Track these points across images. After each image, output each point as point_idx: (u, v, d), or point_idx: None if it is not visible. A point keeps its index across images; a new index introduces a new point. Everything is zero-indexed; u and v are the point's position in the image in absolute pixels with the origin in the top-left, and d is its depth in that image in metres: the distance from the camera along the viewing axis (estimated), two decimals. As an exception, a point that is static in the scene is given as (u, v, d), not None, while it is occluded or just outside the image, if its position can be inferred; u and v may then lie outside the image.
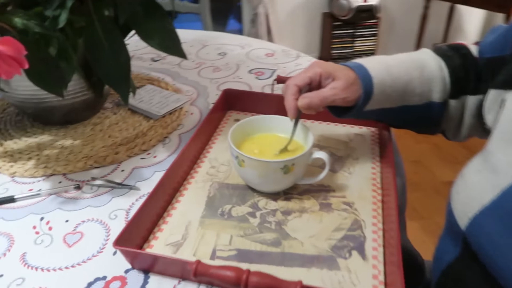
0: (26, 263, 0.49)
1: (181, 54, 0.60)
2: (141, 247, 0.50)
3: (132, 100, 0.81)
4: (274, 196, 0.59)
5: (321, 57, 2.95)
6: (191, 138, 0.65)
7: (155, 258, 0.46)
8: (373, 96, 0.55)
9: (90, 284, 0.46)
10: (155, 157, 0.68)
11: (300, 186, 0.60)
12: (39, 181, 0.63)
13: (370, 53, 2.86)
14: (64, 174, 0.64)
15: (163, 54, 1.13)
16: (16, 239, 0.53)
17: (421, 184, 1.98)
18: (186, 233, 0.53)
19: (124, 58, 0.57)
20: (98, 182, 0.62)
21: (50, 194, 0.60)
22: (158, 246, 0.51)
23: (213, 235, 0.52)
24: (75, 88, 0.68)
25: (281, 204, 0.57)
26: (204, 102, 0.86)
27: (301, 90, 0.56)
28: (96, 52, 0.55)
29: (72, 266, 0.49)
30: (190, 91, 0.91)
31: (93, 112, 0.78)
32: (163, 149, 0.71)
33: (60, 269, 0.48)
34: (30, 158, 0.66)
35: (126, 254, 0.47)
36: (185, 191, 0.60)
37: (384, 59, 0.58)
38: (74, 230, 0.54)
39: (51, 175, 0.64)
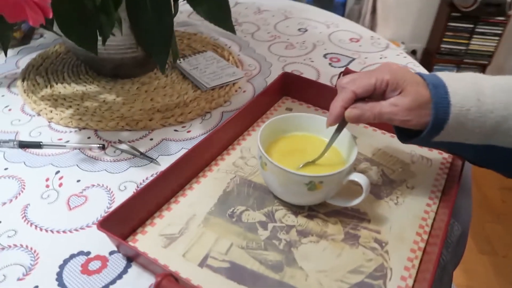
0: (25, 216, 0.48)
1: (228, 27, 0.52)
2: (134, 230, 0.46)
3: (187, 65, 0.76)
4: (296, 208, 0.50)
5: (427, 50, 2.64)
6: (228, 119, 0.59)
7: (135, 251, 0.41)
8: (446, 128, 0.42)
9: (72, 256, 0.44)
10: (189, 131, 0.64)
11: (330, 205, 0.51)
12: (71, 132, 0.62)
13: (486, 55, 2.48)
14: (95, 130, 0.63)
15: (240, 19, 1.06)
16: (26, 187, 0.52)
17: (506, 216, 1.71)
18: (186, 227, 0.47)
19: (166, 23, 0.51)
20: (122, 146, 0.60)
21: (75, 149, 0.59)
22: (152, 234, 0.46)
23: (212, 238, 0.46)
24: (125, 43, 0.65)
25: (300, 220, 0.49)
26: (263, 82, 0.78)
27: (356, 100, 0.46)
28: (136, 11, 0.50)
29: (64, 232, 0.47)
30: (253, 66, 0.83)
31: (144, 70, 0.75)
32: (200, 125, 0.65)
33: (51, 231, 0.47)
34: (70, 107, 0.65)
35: (110, 237, 0.43)
36: (203, 178, 0.54)
37: (479, 80, 0.43)
38: (81, 192, 0.52)
39: (84, 128, 0.63)
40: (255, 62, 0.85)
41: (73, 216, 0.48)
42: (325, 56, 0.89)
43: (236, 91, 0.74)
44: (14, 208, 0.49)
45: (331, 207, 0.50)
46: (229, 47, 0.90)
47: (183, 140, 0.62)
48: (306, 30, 1.01)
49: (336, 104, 0.46)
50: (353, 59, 0.88)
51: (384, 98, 0.45)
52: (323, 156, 0.49)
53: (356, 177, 0.46)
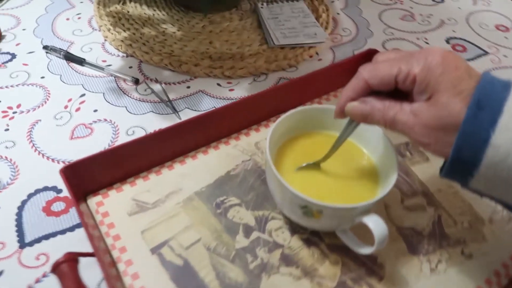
0: (30, 132, 0.47)
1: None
2: (112, 184, 0.42)
3: (267, 12, 0.66)
4: (296, 225, 0.40)
5: None
6: (277, 85, 0.49)
7: (79, 216, 0.37)
8: (476, 174, 0.27)
9: (45, 188, 0.42)
10: (232, 90, 0.55)
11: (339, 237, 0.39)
12: (118, 56, 0.59)
13: None
14: (140, 62, 0.58)
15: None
16: (48, 103, 0.51)
17: None
18: (163, 200, 0.41)
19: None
20: (155, 86, 0.54)
21: (111, 75, 0.56)
22: (125, 195, 0.41)
23: (182, 223, 0.39)
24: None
25: (294, 242, 0.39)
26: (349, 54, 0.63)
27: (371, 92, 0.32)
28: None
29: (52, 160, 0.45)
30: (347, 31, 0.68)
31: (219, 8, 0.66)
32: (249, 86, 0.56)
33: (40, 154, 0.45)
34: (128, 29, 0.62)
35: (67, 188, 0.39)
36: (213, 149, 0.46)
37: None
38: (90, 124, 0.49)
39: (130, 56, 0.59)
40: (354, 26, 0.70)
41: (69, 147, 0.46)
42: (448, 40, 0.68)
43: (310, 56, 0.62)
44: (26, 120, 0.49)
45: (340, 241, 0.39)
46: (332, 1, 0.76)
47: (221, 99, 0.53)
48: (442, 2, 0.79)
49: (344, 93, 0.33)
50: (485, 53, 0.66)
51: (411, 98, 0.30)
52: (328, 158, 0.37)
53: (371, 222, 0.33)
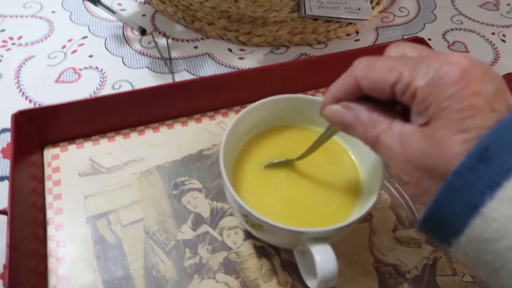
0: (20, 68, 0.45)
1: None
2: (74, 139, 0.39)
3: (310, -24, 0.56)
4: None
5: None
6: (287, 62, 0.42)
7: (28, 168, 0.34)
8: (454, 243, 0.19)
9: (6, 130, 0.40)
10: (242, 58, 0.49)
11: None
12: (135, 1, 0.55)
13: None
14: (155, 11, 0.54)
15: None
16: (49, 38, 0.49)
17: None
18: (120, 167, 0.37)
19: None
20: (159, 40, 0.49)
21: (120, 21, 0.52)
22: (84, 153, 0.38)
23: (130, 197, 0.35)
24: None
25: (244, 248, 0.33)
26: (397, 38, 0.53)
27: (360, 93, 0.24)
28: None
29: (26, 99, 0.42)
30: (405, 11, 0.57)
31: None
32: (263, 57, 0.49)
33: (21, 91, 0.43)
34: (153, -26, 0.57)
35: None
36: (193, 122, 0.41)
37: None
38: (80, 69, 0.46)
39: (148, 3, 0.54)
40: (415, 6, 0.58)
41: (51, 90, 0.43)
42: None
43: (347, 35, 0.52)
44: (21, 54, 0.47)
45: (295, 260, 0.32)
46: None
47: (227, 66, 0.47)
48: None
49: (330, 89, 0.25)
50: None
51: (408, 112, 0.22)
52: (303, 158, 0.31)
53: (319, 255, 0.25)
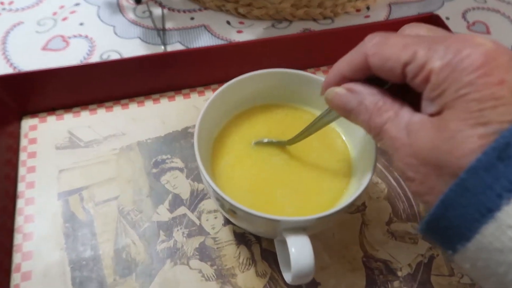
0: (7, 34, 0.44)
1: None
2: (54, 109, 0.37)
3: None
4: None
5: None
6: (287, 35, 0.39)
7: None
8: (461, 249, 0.16)
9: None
10: (240, 32, 0.45)
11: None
12: (133, -32, 0.52)
13: None
14: (153, -21, 0.51)
15: None
16: (41, 4, 0.47)
17: None
18: (99, 142, 0.35)
19: None
20: (154, 10, 0.47)
21: (115, -12, 0.49)
22: (63, 125, 0.36)
23: (106, 174, 0.33)
24: None
25: (223, 234, 0.31)
26: (411, 13, 0.49)
27: (368, 73, 0.20)
28: None
29: (10, 65, 0.40)
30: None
31: None
32: (263, 31, 0.46)
33: (6, 58, 0.41)
34: None
35: None
36: (181, 97, 0.38)
37: None
38: (69, 37, 0.43)
39: (146, -29, 0.51)
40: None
41: (36, 58, 0.41)
42: None
43: (357, 10, 0.48)
44: (10, 20, 0.45)
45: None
46: None
47: (223, 40, 0.44)
48: None
49: (336, 66, 0.22)
50: None
51: (419, 98, 0.19)
52: (295, 142, 0.28)
53: (294, 246, 0.23)
